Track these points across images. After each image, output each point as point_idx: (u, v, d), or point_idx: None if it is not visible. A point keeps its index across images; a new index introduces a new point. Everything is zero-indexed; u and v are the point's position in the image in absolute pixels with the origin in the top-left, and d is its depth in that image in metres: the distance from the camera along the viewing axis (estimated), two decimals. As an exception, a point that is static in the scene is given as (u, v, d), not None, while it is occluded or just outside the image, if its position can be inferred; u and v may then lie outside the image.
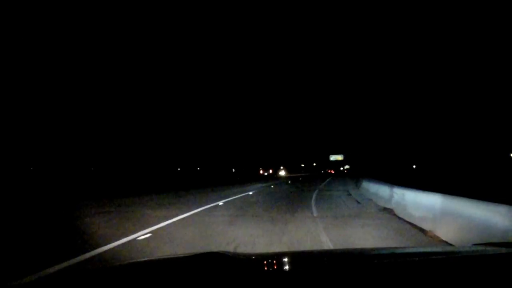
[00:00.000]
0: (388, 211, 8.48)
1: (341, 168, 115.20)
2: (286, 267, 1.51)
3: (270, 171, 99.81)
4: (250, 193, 15.09)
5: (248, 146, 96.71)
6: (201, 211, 8.85)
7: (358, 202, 10.43)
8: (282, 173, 63.92)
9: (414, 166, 53.63)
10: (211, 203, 10.49)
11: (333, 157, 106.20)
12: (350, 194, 13.19)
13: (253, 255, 2.12)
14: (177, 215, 7.80)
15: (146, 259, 2.21)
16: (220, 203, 10.69)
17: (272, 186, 20.47)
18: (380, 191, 10.42)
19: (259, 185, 21.77)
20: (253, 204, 10.19)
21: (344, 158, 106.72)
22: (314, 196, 12.82)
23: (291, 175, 65.53)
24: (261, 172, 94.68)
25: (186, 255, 1.68)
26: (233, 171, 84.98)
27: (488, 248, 1.75)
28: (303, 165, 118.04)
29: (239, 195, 13.74)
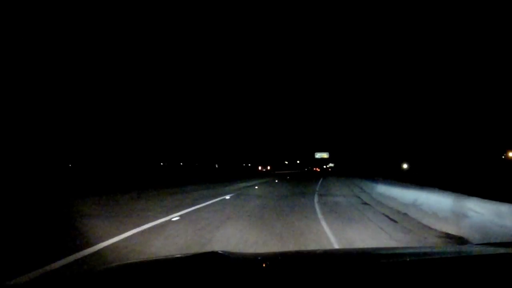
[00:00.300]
0: (461, 241, 4.82)
1: (325, 166, 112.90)
2: (286, 267, 1.43)
3: (268, 167, 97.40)
4: (227, 197, 11.15)
5: (231, 142, 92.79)
6: (135, 235, 4.93)
7: (393, 220, 6.68)
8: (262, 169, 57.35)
9: (405, 166, 51.09)
10: (163, 217, 6.64)
11: (318, 155, 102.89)
12: (366, 203, 9.47)
13: (253, 255, 2.11)
14: (77, 250, 3.87)
15: (145, 259, 2.21)
16: (176, 217, 6.75)
17: (256, 187, 16.52)
18: (427, 202, 6.71)
19: (240, 185, 17.82)
20: (226, 223, 6.25)
21: (329, 156, 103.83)
22: (317, 205, 9.02)
23: (276, 172, 62.03)
24: (259, 168, 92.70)
25: (185, 255, 1.71)
26: (216, 167, 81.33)
27: (488, 248, 1.78)
28: (286, 162, 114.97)
29: (211, 201, 9.81)
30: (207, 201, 9.80)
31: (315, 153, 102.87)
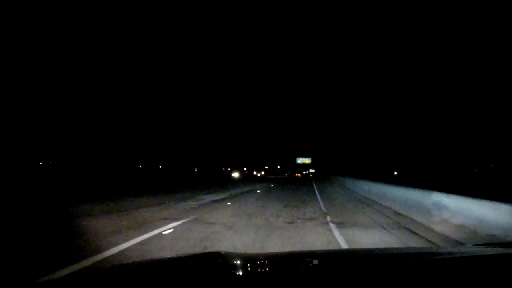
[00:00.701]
0: None
1: (304, 172, 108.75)
2: (287, 267, 1.43)
3: (262, 172, 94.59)
4: (169, 230, 5.90)
5: (213, 145, 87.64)
6: None
7: None
8: (235, 174, 50.32)
9: (395, 173, 47.50)
10: None
11: (300, 160, 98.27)
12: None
13: (253, 255, 2.13)
14: None
15: (146, 259, 2.26)
16: None
17: (228, 203, 11.04)
18: None
19: (207, 198, 12.52)
20: None
21: (312, 161, 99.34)
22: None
23: (255, 176, 56.84)
24: (254, 173, 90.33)
25: (186, 255, 1.82)
26: (196, 170, 76.47)
27: (488, 248, 1.80)
28: (266, 167, 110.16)
29: (131, 241, 4.59)
30: (123, 242, 4.59)
31: (297, 158, 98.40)
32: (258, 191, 17.88)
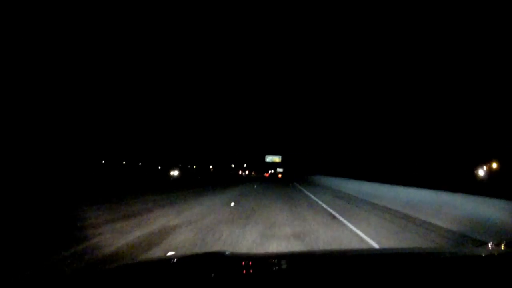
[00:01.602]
0: None
1: (271, 171, 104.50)
2: (286, 267, 1.41)
3: (246, 172, 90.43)
4: None
5: (179, 142, 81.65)
6: None
7: None
8: (174, 173, 41.56)
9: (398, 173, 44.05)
10: None
11: (269, 158, 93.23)
12: None
13: (252, 255, 2.10)
14: None
15: (146, 259, 2.22)
16: None
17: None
18: None
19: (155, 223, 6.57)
20: None
21: (282, 160, 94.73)
22: None
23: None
24: (240, 172, 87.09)
25: (186, 255, 1.68)
26: (159, 168, 73.07)
27: (488, 248, 1.77)
28: (233, 166, 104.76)
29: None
30: None
31: (266, 156, 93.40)
32: (202, 225, 6.44)
